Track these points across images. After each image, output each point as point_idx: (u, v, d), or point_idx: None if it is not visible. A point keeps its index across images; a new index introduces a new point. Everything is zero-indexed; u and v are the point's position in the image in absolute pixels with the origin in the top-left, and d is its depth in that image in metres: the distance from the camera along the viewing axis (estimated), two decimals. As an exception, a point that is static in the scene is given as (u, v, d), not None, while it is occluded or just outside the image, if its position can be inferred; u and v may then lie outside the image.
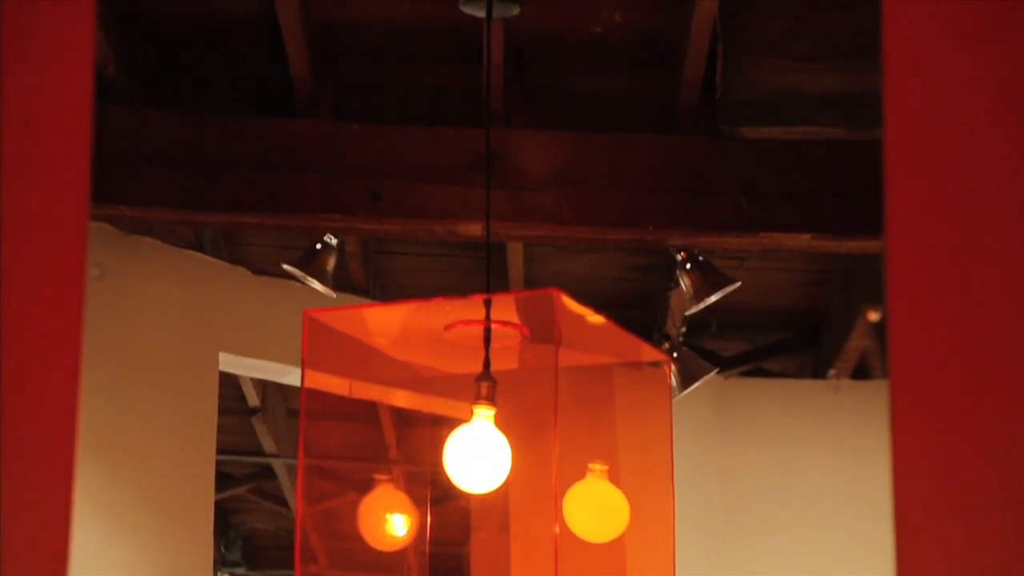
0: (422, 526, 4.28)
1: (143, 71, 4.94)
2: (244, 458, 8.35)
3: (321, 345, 3.97)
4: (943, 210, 1.30)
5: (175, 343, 5.85)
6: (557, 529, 3.72)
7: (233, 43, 4.95)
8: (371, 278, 6.48)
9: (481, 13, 4.42)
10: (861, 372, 7.01)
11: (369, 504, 4.26)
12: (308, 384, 3.87)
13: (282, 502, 9.10)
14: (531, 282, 6.35)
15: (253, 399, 7.50)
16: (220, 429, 6.03)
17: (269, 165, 4.73)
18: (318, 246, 5.27)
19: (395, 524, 4.25)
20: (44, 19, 1.33)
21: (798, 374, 7.34)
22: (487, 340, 3.88)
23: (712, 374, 6.03)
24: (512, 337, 3.95)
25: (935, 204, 1.30)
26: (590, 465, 4.06)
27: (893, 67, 1.33)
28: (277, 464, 8.37)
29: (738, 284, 5.30)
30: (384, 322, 4.31)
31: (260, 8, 4.78)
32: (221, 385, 6.03)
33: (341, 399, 4.27)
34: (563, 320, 3.71)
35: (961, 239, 1.29)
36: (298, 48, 4.74)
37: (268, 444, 7.98)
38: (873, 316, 6.19)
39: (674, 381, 5.82)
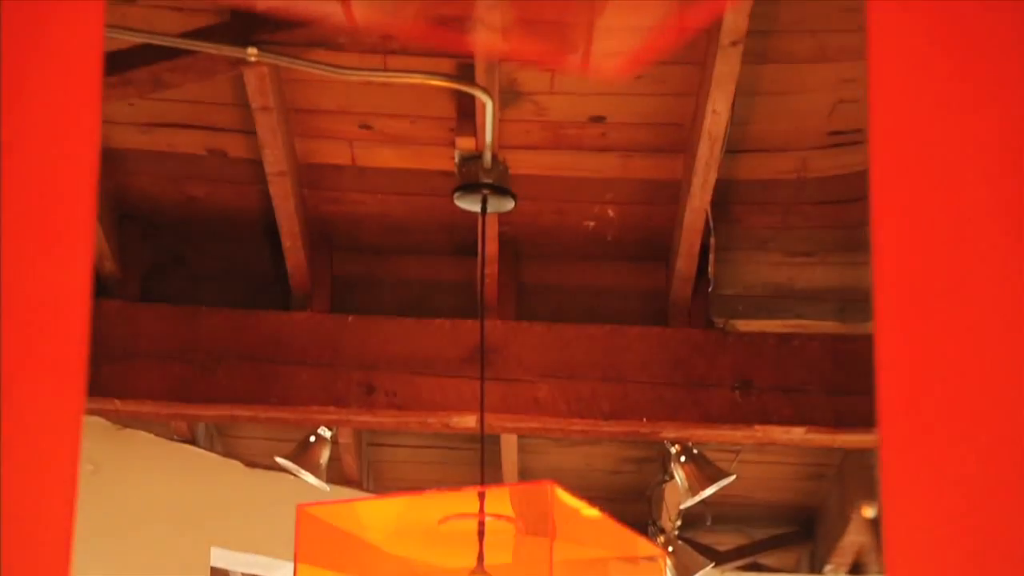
0: None
1: (140, 267, 4.97)
2: (234, 654, 8.21)
3: (314, 539, 3.94)
4: (935, 406, 1.30)
5: (167, 538, 5.80)
6: None
7: (229, 238, 5.00)
8: (364, 471, 6.45)
9: (476, 208, 4.47)
10: (858, 568, 6.94)
11: None
12: (300, 579, 3.82)
13: None
14: (525, 474, 6.32)
15: (244, 594, 7.41)
16: (210, 625, 5.95)
17: (264, 358, 4.74)
18: (311, 439, 5.26)
19: None
20: (43, 219, 1.34)
21: (794, 569, 7.27)
22: (481, 533, 3.85)
23: (708, 568, 5.97)
24: (506, 530, 3.92)
25: (927, 399, 1.31)
26: (585, 662, 4.00)
27: (882, 264, 1.35)
28: (268, 660, 8.23)
29: (733, 478, 5.28)
30: (378, 515, 4.28)
31: (256, 203, 4.83)
32: (212, 580, 5.96)
33: (333, 594, 4.22)
34: (558, 513, 3.68)
35: (954, 434, 1.29)
36: (294, 242, 4.78)
37: (259, 640, 7.86)
38: (868, 512, 6.15)
39: (670, 575, 5.76)
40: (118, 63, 3.98)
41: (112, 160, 4.70)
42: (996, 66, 1.33)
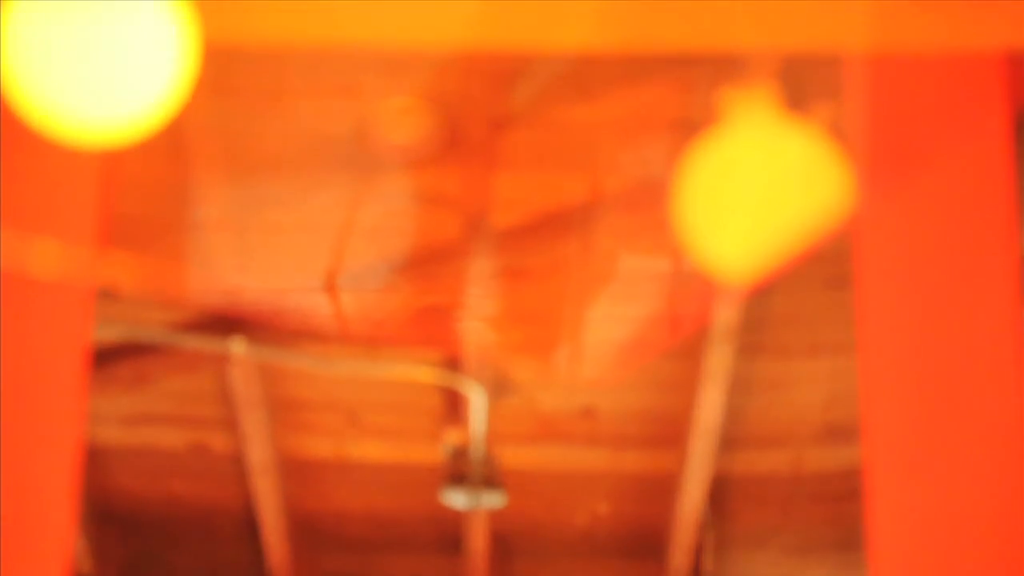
0: None
1: (118, 566, 4.92)
2: None
3: None
4: None
5: None
6: None
7: (210, 535, 4.95)
8: None
9: (465, 505, 4.41)
10: None
11: None
12: None
13: None
14: None
15: None
16: None
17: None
18: None
19: None
20: (24, 523, 1.31)
21: None
22: None
23: None
24: None
25: None
26: None
27: (878, 565, 1.34)
28: None
29: None
30: None
31: (239, 499, 4.79)
32: None
33: None
34: None
35: None
36: (278, 538, 4.74)
37: None
38: None
39: None
40: (102, 358, 3.97)
41: (92, 456, 4.67)
42: (984, 359, 1.38)
